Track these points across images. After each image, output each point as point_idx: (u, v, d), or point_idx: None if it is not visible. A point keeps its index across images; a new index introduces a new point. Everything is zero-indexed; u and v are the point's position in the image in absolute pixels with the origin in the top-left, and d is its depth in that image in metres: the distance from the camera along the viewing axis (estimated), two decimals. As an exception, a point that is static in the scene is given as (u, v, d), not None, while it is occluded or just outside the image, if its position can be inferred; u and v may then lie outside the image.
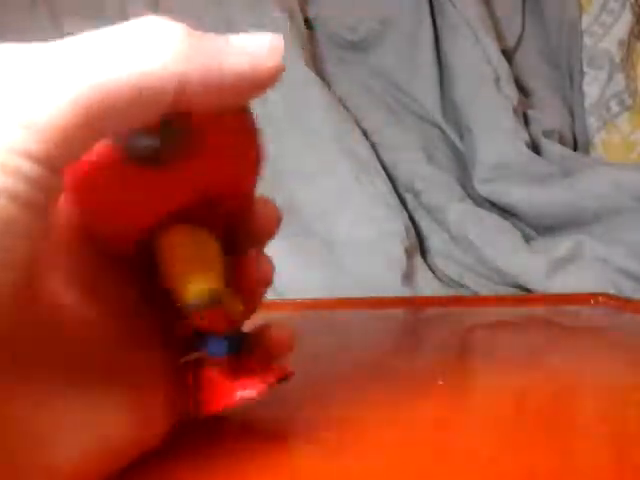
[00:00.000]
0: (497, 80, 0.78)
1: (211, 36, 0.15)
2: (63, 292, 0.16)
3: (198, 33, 0.15)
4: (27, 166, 0.12)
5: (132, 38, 0.14)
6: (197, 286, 0.17)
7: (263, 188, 0.20)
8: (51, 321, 0.16)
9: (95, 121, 0.13)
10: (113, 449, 0.16)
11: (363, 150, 0.76)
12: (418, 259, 0.70)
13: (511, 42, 0.85)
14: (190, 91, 0.14)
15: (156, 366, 0.19)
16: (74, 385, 0.16)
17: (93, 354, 0.17)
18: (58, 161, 0.13)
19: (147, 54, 0.14)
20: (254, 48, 0.15)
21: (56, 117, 0.13)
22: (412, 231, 0.72)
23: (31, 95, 0.13)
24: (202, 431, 0.20)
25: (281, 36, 0.16)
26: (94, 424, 0.16)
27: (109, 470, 0.16)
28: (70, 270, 0.17)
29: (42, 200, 0.13)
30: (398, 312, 0.46)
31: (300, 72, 0.78)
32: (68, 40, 0.14)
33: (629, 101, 0.80)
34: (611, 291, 0.58)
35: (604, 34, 0.81)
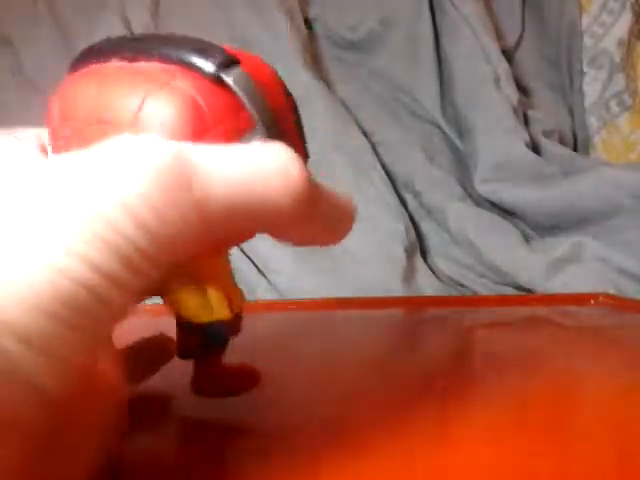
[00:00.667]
0: (497, 80, 0.78)
1: None
2: None
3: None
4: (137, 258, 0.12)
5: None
6: (192, 310, 0.18)
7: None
8: None
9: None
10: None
11: (363, 150, 0.76)
12: (418, 259, 0.70)
13: (511, 42, 0.85)
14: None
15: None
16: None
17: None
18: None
19: None
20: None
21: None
22: (412, 231, 0.72)
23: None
24: (201, 433, 0.20)
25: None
26: None
27: None
28: None
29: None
30: (398, 312, 0.46)
31: (300, 72, 0.78)
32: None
33: (629, 101, 0.80)
34: (611, 291, 0.58)
35: (604, 34, 0.81)
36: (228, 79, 0.15)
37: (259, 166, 0.14)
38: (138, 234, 0.12)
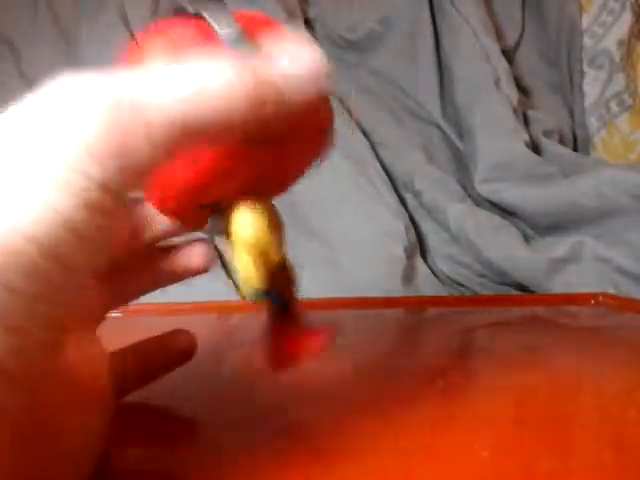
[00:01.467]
0: (497, 80, 0.78)
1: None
2: None
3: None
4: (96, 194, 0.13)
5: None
6: (248, 289, 0.19)
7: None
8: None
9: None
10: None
11: (363, 150, 0.76)
12: (418, 259, 0.70)
13: (511, 42, 0.85)
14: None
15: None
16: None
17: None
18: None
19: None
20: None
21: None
22: (412, 231, 0.72)
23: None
24: (202, 437, 0.20)
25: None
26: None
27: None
28: None
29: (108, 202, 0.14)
30: (398, 312, 0.46)
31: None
32: None
33: (629, 101, 0.80)
34: (611, 291, 0.58)
35: (604, 34, 0.81)
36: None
37: (204, 85, 0.15)
38: (98, 170, 0.13)
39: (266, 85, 0.15)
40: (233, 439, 0.20)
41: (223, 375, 0.26)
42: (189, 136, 0.14)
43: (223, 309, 0.43)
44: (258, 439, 0.20)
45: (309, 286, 0.63)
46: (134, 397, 0.21)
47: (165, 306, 0.36)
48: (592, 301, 0.45)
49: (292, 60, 0.16)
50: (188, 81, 0.14)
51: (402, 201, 0.76)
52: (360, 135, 0.78)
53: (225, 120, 0.15)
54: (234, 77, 0.15)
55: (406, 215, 0.73)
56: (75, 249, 0.13)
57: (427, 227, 0.75)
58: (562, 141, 0.81)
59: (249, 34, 0.17)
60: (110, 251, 0.14)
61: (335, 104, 0.79)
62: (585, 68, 0.82)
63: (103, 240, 0.14)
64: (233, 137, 0.16)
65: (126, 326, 0.24)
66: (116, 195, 0.14)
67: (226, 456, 0.19)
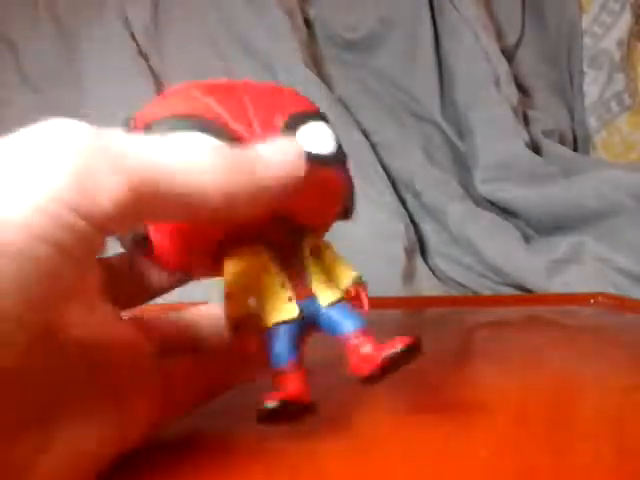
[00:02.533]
0: (497, 80, 0.78)
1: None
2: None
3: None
4: (80, 224, 0.13)
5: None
6: (234, 310, 0.19)
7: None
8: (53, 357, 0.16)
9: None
10: (97, 460, 0.17)
11: (363, 150, 0.76)
12: (418, 259, 0.70)
13: (511, 42, 0.85)
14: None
15: (138, 372, 0.19)
16: (59, 413, 0.16)
17: (76, 380, 0.17)
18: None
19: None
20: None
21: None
22: (412, 231, 0.72)
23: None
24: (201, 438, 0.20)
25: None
26: (78, 443, 0.16)
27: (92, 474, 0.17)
28: None
29: (85, 254, 0.14)
30: (398, 312, 0.46)
31: (300, 72, 0.78)
32: None
33: (629, 101, 0.80)
34: (611, 291, 0.58)
35: (604, 34, 0.81)
36: None
37: (191, 159, 0.15)
38: (66, 213, 0.13)
39: (242, 167, 0.16)
40: (233, 439, 0.20)
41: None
42: (160, 201, 0.15)
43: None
44: (258, 439, 0.20)
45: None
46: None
47: (167, 306, 0.36)
48: (592, 301, 0.45)
49: (271, 150, 0.17)
50: (168, 146, 0.15)
51: (402, 201, 0.76)
52: (360, 135, 0.78)
53: (196, 191, 0.15)
54: (213, 154, 0.15)
55: (406, 215, 0.73)
56: (43, 286, 0.13)
57: (427, 227, 0.75)
58: (562, 141, 0.81)
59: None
60: (80, 287, 0.15)
61: (335, 104, 0.79)
62: (585, 68, 0.82)
63: (72, 277, 0.14)
64: (204, 213, 0.16)
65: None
66: (85, 237, 0.14)
67: (226, 456, 0.19)
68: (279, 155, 0.17)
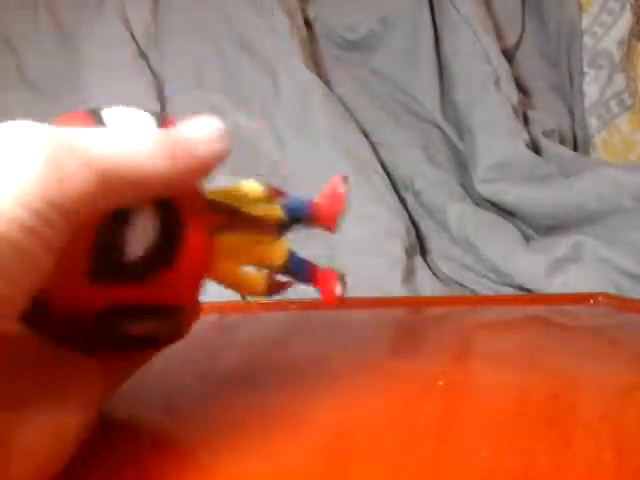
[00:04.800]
0: (497, 80, 0.78)
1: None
2: None
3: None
4: (46, 210, 0.14)
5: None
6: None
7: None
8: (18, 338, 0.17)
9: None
10: (67, 440, 0.17)
11: (363, 150, 0.76)
12: (418, 259, 0.70)
13: (511, 42, 0.85)
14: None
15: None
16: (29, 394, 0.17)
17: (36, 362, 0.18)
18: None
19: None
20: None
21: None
22: (412, 231, 0.72)
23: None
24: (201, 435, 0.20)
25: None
26: (57, 413, 0.17)
27: (65, 454, 0.17)
28: None
29: (54, 239, 0.15)
30: (398, 312, 0.46)
31: (300, 72, 0.78)
32: None
33: (629, 101, 0.80)
34: (611, 291, 0.58)
35: (604, 34, 0.81)
36: None
37: (138, 147, 0.17)
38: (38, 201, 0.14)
39: (177, 143, 0.18)
40: (232, 439, 0.20)
41: (220, 374, 0.26)
42: (119, 186, 0.16)
43: (223, 309, 0.43)
44: (257, 439, 0.20)
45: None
46: (127, 394, 0.21)
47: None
48: (592, 301, 0.45)
49: (196, 126, 0.19)
50: (119, 138, 0.17)
51: (402, 201, 0.76)
52: (360, 135, 0.78)
53: (146, 174, 0.17)
54: (154, 137, 0.17)
55: (406, 215, 0.74)
56: (15, 266, 0.14)
57: (427, 227, 0.75)
58: (562, 141, 0.81)
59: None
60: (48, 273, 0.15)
61: (335, 104, 0.79)
62: (585, 68, 0.82)
63: (45, 257, 0.15)
64: (155, 190, 0.18)
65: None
66: (60, 211, 0.15)
67: (224, 456, 0.19)
68: (207, 132, 0.19)
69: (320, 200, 0.22)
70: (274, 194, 0.22)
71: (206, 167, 0.19)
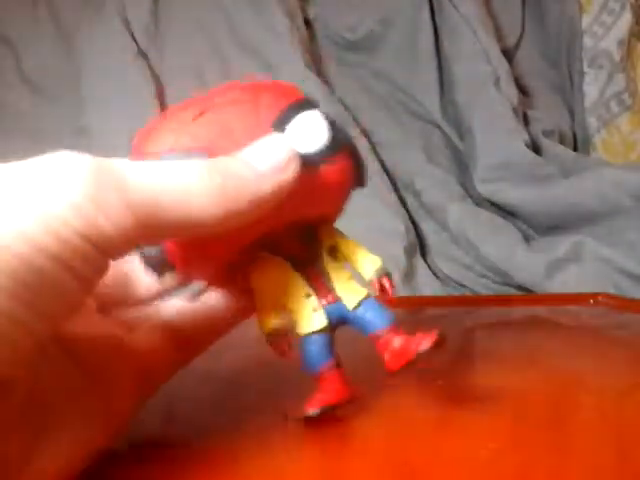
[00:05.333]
0: (497, 80, 0.78)
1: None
2: None
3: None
4: (87, 247, 0.14)
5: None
6: (267, 324, 0.20)
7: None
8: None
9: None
10: (87, 455, 0.17)
11: (363, 150, 0.76)
12: (418, 259, 0.70)
13: (511, 42, 0.85)
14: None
15: (118, 363, 0.19)
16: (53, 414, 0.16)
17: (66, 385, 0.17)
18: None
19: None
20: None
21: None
22: (412, 231, 0.72)
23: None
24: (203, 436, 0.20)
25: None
26: (70, 441, 0.17)
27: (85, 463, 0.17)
28: None
29: (90, 274, 0.15)
30: (398, 312, 0.46)
31: (300, 72, 0.78)
32: None
33: (629, 101, 0.80)
34: (611, 291, 0.58)
35: (604, 34, 0.81)
36: None
37: (184, 181, 0.16)
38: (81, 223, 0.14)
39: (235, 179, 0.16)
40: (231, 439, 0.20)
41: (221, 375, 0.26)
42: (160, 224, 0.15)
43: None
44: (257, 440, 0.20)
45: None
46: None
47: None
48: (592, 301, 0.45)
49: (260, 154, 0.17)
50: (164, 171, 0.16)
51: (402, 201, 0.76)
52: (360, 135, 0.78)
53: (193, 212, 0.16)
54: (204, 173, 0.16)
55: (406, 215, 0.74)
56: (41, 293, 0.14)
57: (427, 227, 0.75)
58: (562, 141, 0.81)
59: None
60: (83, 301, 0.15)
61: (335, 104, 0.79)
62: (585, 68, 0.82)
63: (78, 294, 0.15)
64: (203, 230, 0.16)
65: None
66: (90, 259, 0.14)
67: (224, 456, 0.19)
68: (267, 161, 0.17)
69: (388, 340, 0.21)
70: (376, 288, 0.21)
71: (264, 203, 0.17)
